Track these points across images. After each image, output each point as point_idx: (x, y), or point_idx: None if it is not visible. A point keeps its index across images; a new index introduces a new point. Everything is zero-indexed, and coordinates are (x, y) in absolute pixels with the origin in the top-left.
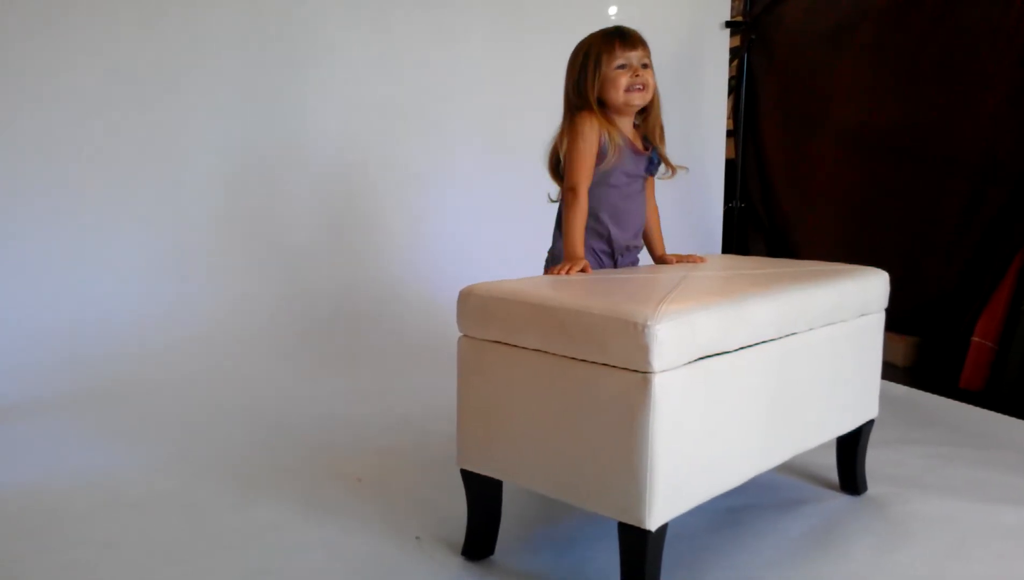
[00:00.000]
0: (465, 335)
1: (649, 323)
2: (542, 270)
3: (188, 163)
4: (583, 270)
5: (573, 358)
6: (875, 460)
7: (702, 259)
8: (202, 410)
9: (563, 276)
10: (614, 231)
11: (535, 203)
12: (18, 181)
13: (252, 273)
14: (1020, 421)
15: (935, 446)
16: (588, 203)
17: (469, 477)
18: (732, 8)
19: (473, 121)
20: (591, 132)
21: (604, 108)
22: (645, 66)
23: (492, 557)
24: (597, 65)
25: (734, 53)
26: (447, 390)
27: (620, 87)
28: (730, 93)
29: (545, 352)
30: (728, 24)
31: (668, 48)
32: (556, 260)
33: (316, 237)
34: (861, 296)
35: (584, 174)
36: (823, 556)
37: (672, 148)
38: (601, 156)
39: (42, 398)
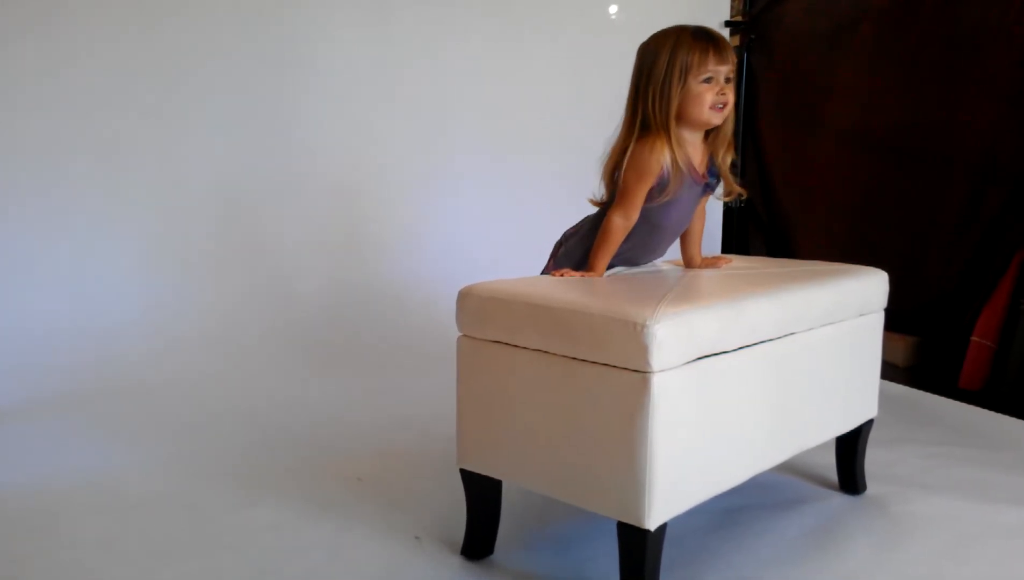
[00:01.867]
0: (464, 335)
1: (648, 323)
2: (542, 268)
3: (188, 164)
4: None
5: (572, 358)
6: (874, 460)
7: (728, 260)
8: (202, 411)
9: (564, 276)
10: (631, 255)
11: (535, 203)
12: (17, 182)
13: (252, 273)
14: (1020, 421)
15: (935, 446)
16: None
17: (468, 477)
18: (731, 8)
19: (473, 121)
20: (656, 164)
21: (678, 121)
22: (729, 80)
23: (492, 557)
24: (684, 75)
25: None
26: (446, 390)
27: (704, 104)
28: None
29: (544, 352)
30: (727, 24)
31: None
32: (569, 256)
33: (316, 238)
34: (861, 296)
35: (639, 205)
36: (822, 556)
37: None
38: (658, 188)
39: (41, 399)
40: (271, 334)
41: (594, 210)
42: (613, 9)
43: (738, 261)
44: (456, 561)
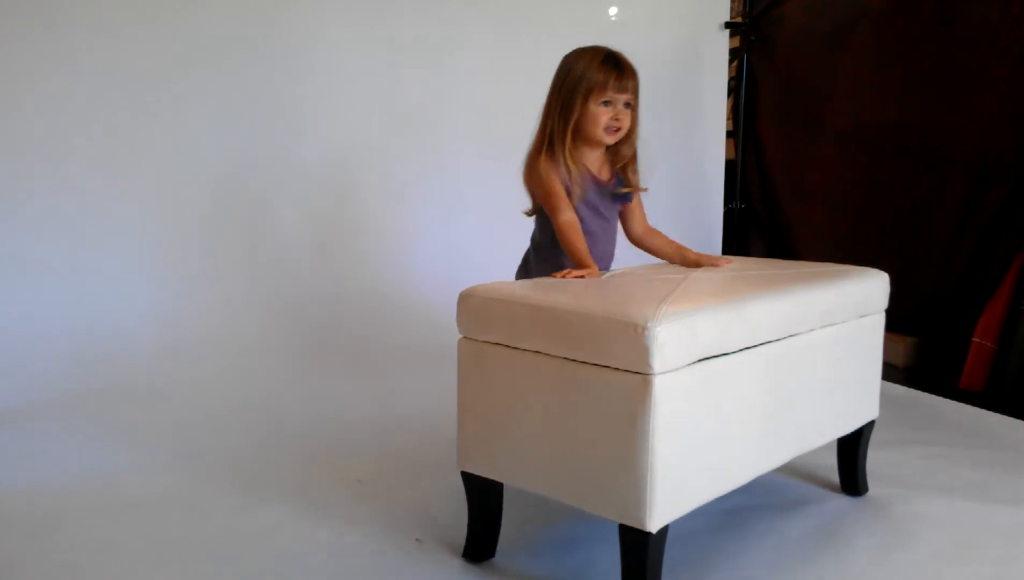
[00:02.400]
0: (465, 337)
1: (649, 325)
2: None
3: (187, 166)
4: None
5: (573, 360)
6: (876, 461)
7: (730, 260)
8: (202, 413)
9: (565, 278)
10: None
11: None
12: (16, 184)
13: (253, 275)
14: (1021, 421)
15: (936, 447)
16: (553, 235)
17: (470, 479)
18: (732, 9)
19: (473, 123)
20: (555, 175)
21: (576, 135)
22: (628, 105)
23: (493, 559)
24: (586, 96)
25: (734, 54)
26: (447, 392)
27: (599, 125)
28: (730, 94)
29: (545, 354)
30: (728, 25)
31: (668, 49)
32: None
33: (317, 239)
34: (861, 297)
35: (566, 204)
36: (824, 557)
37: (672, 149)
38: (567, 191)
39: (41, 400)
40: (271, 336)
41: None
42: (613, 10)
43: (739, 262)
44: (457, 563)
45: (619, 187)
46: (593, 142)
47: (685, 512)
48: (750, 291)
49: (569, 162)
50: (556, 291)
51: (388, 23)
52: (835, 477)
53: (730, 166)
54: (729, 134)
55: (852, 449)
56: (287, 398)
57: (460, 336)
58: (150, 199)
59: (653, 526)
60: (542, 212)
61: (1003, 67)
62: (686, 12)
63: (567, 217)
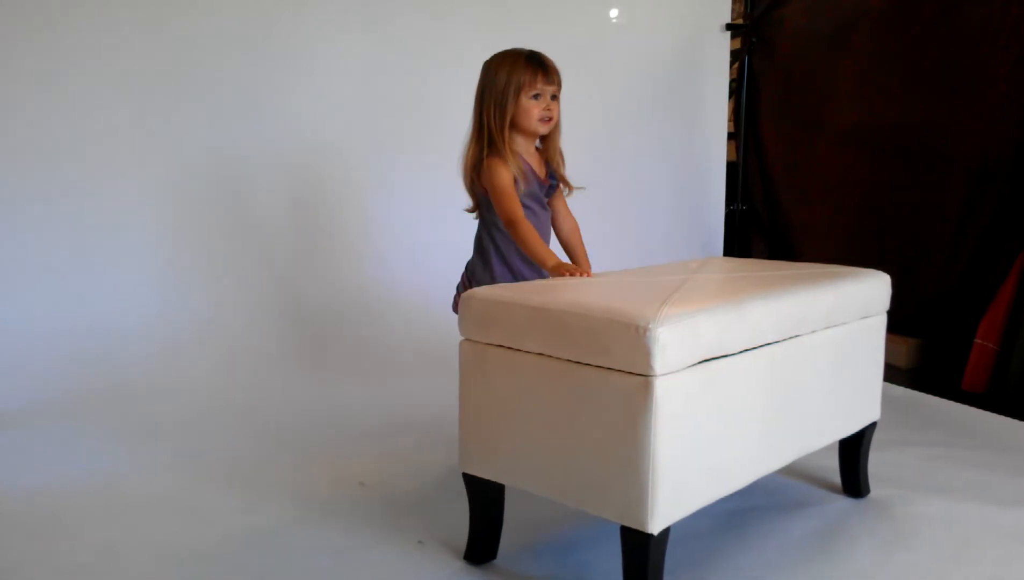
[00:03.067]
0: (467, 339)
1: (651, 326)
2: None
3: (188, 167)
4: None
5: (575, 361)
6: (877, 462)
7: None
8: (203, 415)
9: (568, 278)
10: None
11: None
12: (16, 185)
13: (253, 276)
14: (1022, 423)
15: (937, 448)
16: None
17: (471, 481)
18: (732, 11)
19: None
20: (506, 172)
21: (512, 129)
22: (554, 97)
23: (494, 561)
24: (517, 92)
25: (735, 56)
26: (449, 394)
27: (533, 117)
28: (731, 96)
29: (547, 355)
30: (729, 27)
31: (669, 51)
32: (480, 284)
33: (317, 240)
34: (863, 298)
35: (517, 203)
36: (826, 558)
37: (673, 151)
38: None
39: (42, 402)
40: (272, 337)
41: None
42: (614, 12)
43: (740, 263)
44: (459, 565)
45: (554, 184)
46: (528, 133)
47: (686, 513)
48: (752, 292)
49: (510, 156)
50: (557, 293)
51: (388, 26)
52: (837, 478)
53: (731, 168)
54: (730, 136)
55: (854, 450)
56: (288, 399)
57: (461, 338)
58: (150, 200)
59: (654, 527)
60: (490, 209)
61: (1003, 67)
62: (687, 14)
63: (518, 209)
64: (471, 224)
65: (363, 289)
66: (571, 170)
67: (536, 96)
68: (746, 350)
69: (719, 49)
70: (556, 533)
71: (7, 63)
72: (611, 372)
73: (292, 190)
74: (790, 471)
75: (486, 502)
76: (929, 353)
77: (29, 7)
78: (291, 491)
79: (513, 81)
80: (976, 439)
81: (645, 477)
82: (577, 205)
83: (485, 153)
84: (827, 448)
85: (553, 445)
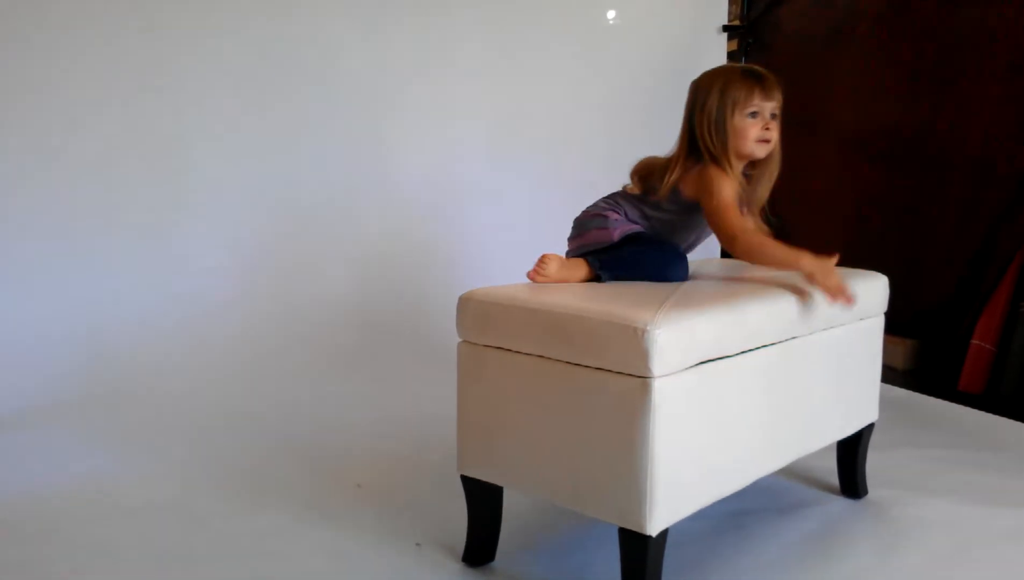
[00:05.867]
0: (464, 341)
1: (649, 328)
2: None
3: (188, 168)
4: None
5: (573, 363)
6: (875, 463)
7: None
8: (202, 417)
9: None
10: (662, 231)
11: (537, 208)
12: (16, 186)
13: (252, 280)
14: (1020, 424)
15: (935, 449)
16: (664, 222)
17: (469, 483)
18: (729, 12)
19: (475, 128)
20: (731, 185)
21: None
22: (774, 116)
23: (493, 563)
24: (733, 110)
25: (731, 57)
26: (447, 396)
27: (749, 138)
28: None
29: (545, 357)
30: (725, 28)
31: (665, 52)
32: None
33: (316, 243)
34: (860, 299)
35: (740, 216)
36: (824, 560)
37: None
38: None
39: (42, 405)
40: (270, 340)
41: (621, 193)
42: (612, 13)
43: (738, 265)
44: (457, 567)
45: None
46: (742, 156)
47: (685, 515)
48: (749, 294)
49: (735, 173)
50: (555, 294)
51: (392, 32)
52: (835, 480)
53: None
54: None
55: (852, 452)
56: (286, 402)
57: (459, 340)
58: (151, 204)
59: (653, 529)
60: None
61: (1002, 68)
62: (683, 15)
63: (749, 230)
64: (471, 224)
65: (361, 290)
66: (568, 171)
67: (753, 114)
68: (744, 352)
69: (715, 50)
70: (554, 535)
71: (7, 62)
72: (609, 374)
73: (290, 192)
74: (788, 472)
75: (484, 504)
76: (926, 354)
77: (29, 7)
78: (289, 493)
79: (728, 99)
80: (973, 440)
81: (643, 479)
82: (575, 208)
83: (703, 162)
84: (825, 449)
85: (551, 447)
